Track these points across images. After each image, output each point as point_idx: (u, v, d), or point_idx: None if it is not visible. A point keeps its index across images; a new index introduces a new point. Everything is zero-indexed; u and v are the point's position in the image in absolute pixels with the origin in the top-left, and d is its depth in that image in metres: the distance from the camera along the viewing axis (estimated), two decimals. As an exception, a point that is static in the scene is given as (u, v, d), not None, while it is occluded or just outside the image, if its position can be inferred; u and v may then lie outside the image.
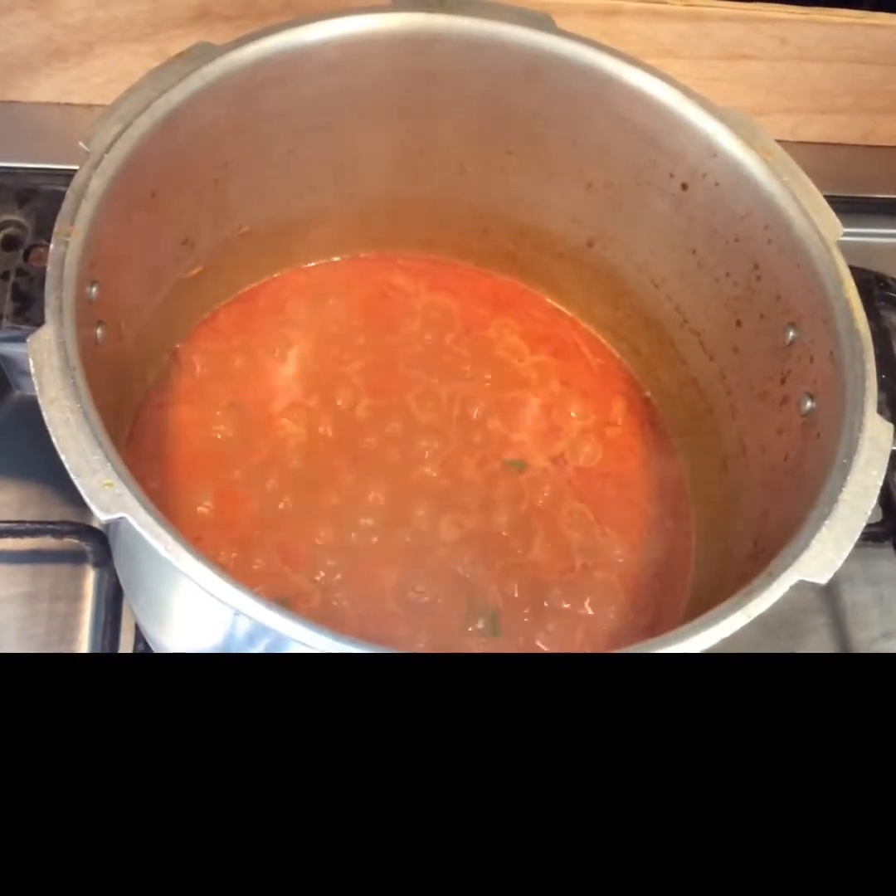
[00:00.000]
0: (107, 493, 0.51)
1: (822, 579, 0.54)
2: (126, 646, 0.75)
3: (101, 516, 0.50)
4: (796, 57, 1.00)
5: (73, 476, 0.51)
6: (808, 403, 0.65)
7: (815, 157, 1.04)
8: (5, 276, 0.59)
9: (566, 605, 0.74)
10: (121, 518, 0.51)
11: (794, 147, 0.71)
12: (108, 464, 0.52)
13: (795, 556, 0.55)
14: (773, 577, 0.54)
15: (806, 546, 0.55)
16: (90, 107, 0.96)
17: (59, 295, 0.56)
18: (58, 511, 0.79)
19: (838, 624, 0.84)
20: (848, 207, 0.90)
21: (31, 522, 0.76)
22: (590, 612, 0.74)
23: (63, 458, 0.52)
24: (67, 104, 0.97)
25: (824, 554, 0.55)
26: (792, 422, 0.66)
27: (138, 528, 0.50)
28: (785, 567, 0.54)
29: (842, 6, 0.98)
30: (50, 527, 0.76)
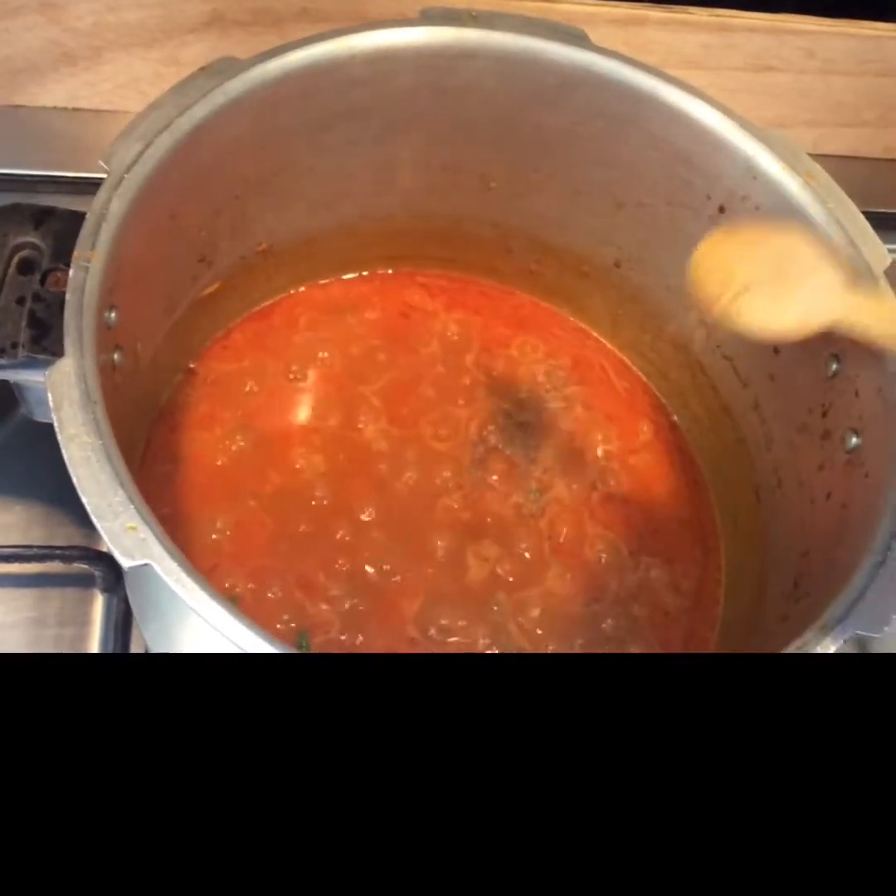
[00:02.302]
0: (130, 538, 0.49)
1: (878, 632, 0.52)
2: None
3: (124, 563, 0.48)
4: (821, 70, 0.98)
5: (94, 519, 0.49)
6: (854, 439, 0.63)
7: (837, 170, 1.02)
8: (21, 301, 0.56)
9: (592, 639, 0.72)
10: (145, 564, 0.48)
11: (817, 161, 0.70)
12: (132, 505, 0.50)
13: (848, 608, 0.53)
14: (828, 630, 0.52)
15: (860, 597, 0.53)
16: (98, 113, 0.94)
17: (78, 323, 0.54)
18: (64, 532, 0.77)
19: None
20: (870, 222, 0.88)
21: (39, 547, 0.74)
22: (616, 645, 0.72)
23: (84, 499, 0.50)
24: (75, 109, 0.94)
25: (879, 605, 0.53)
26: (835, 458, 0.64)
27: (164, 577, 0.48)
28: (838, 619, 0.52)
29: (869, 19, 0.96)
30: (58, 551, 0.74)
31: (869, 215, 0.98)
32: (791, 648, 0.51)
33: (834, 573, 0.57)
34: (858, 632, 0.52)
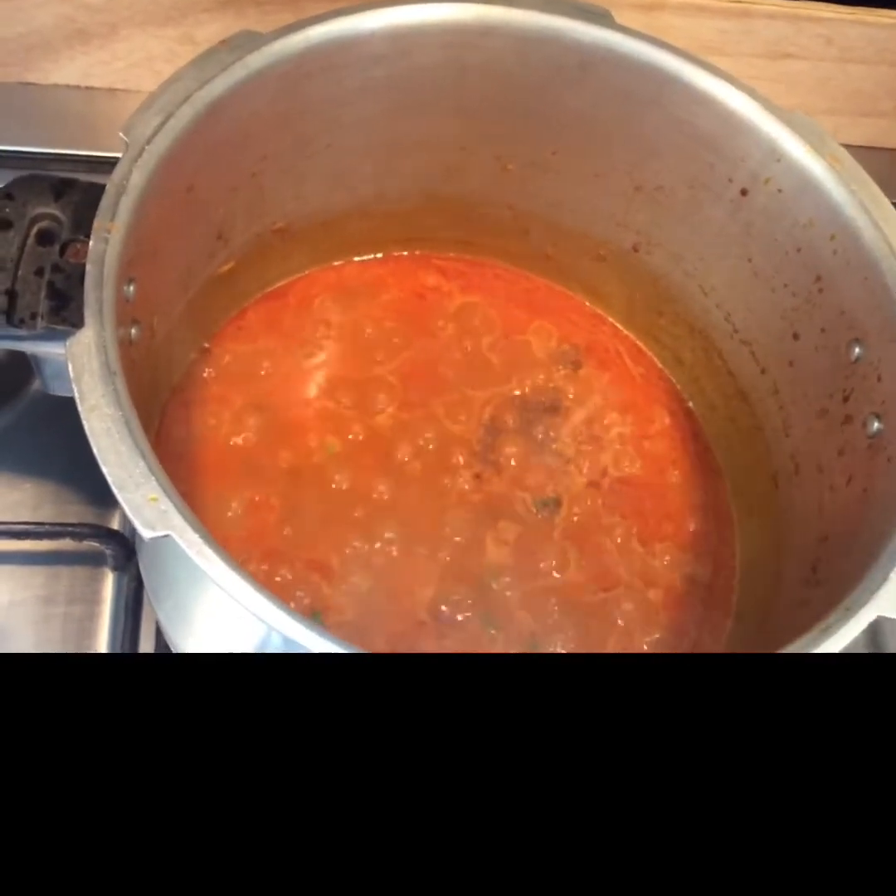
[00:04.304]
0: (151, 509, 0.48)
1: (903, 616, 0.52)
2: (146, 651, 0.73)
3: (145, 534, 0.48)
4: (840, 58, 0.97)
5: (115, 490, 0.48)
6: (876, 424, 0.62)
7: (855, 160, 1.02)
8: (40, 272, 0.56)
9: (605, 626, 0.71)
10: (166, 535, 0.48)
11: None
12: (153, 477, 0.49)
13: (873, 591, 0.52)
14: (852, 612, 0.51)
15: (884, 579, 0.52)
16: (112, 91, 0.93)
17: (99, 295, 0.53)
18: (74, 510, 0.77)
19: (875, 644, 0.81)
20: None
21: (51, 524, 0.74)
22: (629, 632, 0.71)
23: (105, 470, 0.49)
24: (89, 88, 0.93)
25: (904, 589, 0.52)
26: (856, 443, 0.64)
27: (186, 549, 0.47)
28: (863, 603, 0.52)
29: (888, 7, 0.96)
30: (69, 529, 0.74)
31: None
32: (815, 630, 0.51)
33: (854, 559, 0.57)
34: (883, 615, 0.51)
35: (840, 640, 0.51)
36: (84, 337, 0.52)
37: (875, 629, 0.82)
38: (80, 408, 0.50)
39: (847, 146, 1.03)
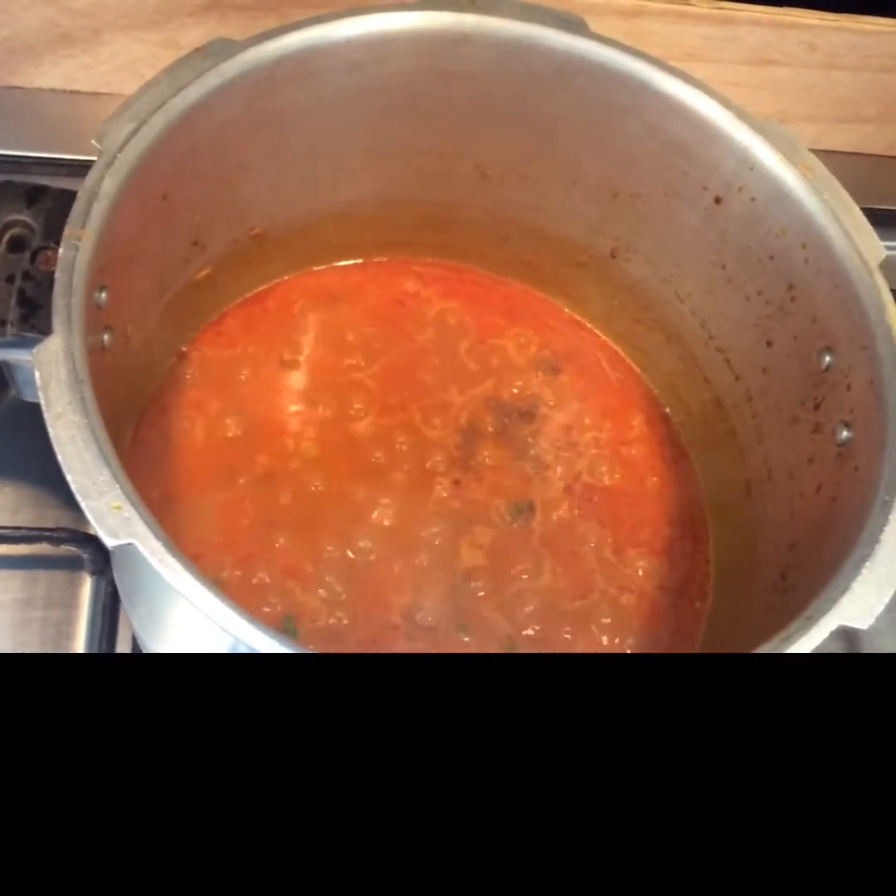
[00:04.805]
0: (114, 517, 0.48)
1: (863, 625, 0.52)
2: (122, 654, 0.73)
3: (108, 542, 0.48)
4: (824, 64, 0.97)
5: (79, 497, 0.49)
6: (845, 433, 0.62)
7: (838, 167, 1.01)
8: (11, 279, 0.56)
9: (579, 632, 0.71)
10: (129, 544, 0.48)
11: (818, 156, 0.69)
12: (117, 485, 0.49)
13: (835, 600, 0.52)
14: (813, 621, 0.51)
15: (846, 588, 0.53)
16: (96, 95, 0.93)
17: (67, 302, 0.53)
18: (53, 514, 0.77)
19: (853, 650, 0.81)
20: (871, 220, 0.87)
21: (28, 528, 0.74)
22: (603, 638, 0.72)
23: (69, 477, 0.49)
24: (73, 92, 0.93)
25: (866, 598, 0.53)
26: (825, 451, 0.64)
27: (148, 556, 0.48)
28: (824, 611, 0.52)
29: (872, 14, 0.96)
30: (47, 533, 0.73)
31: (871, 212, 0.98)
32: (776, 639, 0.51)
33: (821, 566, 0.57)
34: (844, 624, 0.52)
35: (800, 649, 0.51)
36: (52, 344, 0.52)
37: (852, 635, 0.82)
38: (45, 415, 0.50)
39: (831, 152, 1.05)
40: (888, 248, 1.02)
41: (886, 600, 0.53)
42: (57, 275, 0.54)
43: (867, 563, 0.54)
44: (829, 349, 0.65)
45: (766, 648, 0.51)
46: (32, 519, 0.76)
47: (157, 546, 0.48)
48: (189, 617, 0.58)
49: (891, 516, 0.55)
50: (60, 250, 0.55)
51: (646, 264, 0.77)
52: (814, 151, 0.68)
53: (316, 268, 0.82)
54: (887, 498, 0.56)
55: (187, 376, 0.76)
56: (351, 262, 0.83)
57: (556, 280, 0.83)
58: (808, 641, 0.51)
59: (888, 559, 0.54)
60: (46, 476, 0.78)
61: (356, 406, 0.77)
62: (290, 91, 0.67)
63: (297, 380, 0.78)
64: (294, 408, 0.77)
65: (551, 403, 0.80)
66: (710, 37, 0.94)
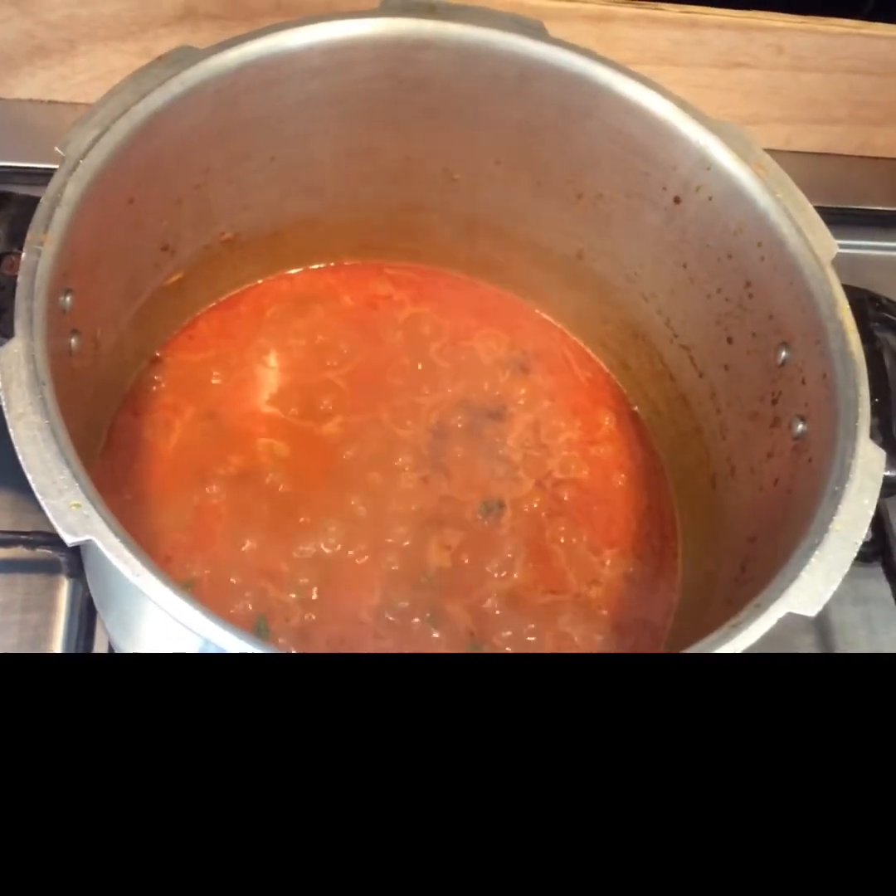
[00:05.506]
0: (74, 515, 0.49)
1: (811, 612, 0.53)
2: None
3: (67, 539, 0.49)
4: (792, 66, 0.99)
5: (39, 496, 0.50)
6: (800, 426, 0.64)
7: (809, 167, 1.03)
8: (-25, 284, 0.57)
9: (549, 627, 0.72)
10: (88, 541, 0.49)
11: (789, 157, 0.70)
12: (76, 484, 0.50)
13: (784, 589, 0.53)
14: (762, 609, 0.52)
15: (795, 577, 0.54)
16: (74, 105, 0.94)
17: (29, 305, 0.54)
18: (31, 519, 0.77)
19: (825, 644, 0.82)
20: (842, 219, 0.89)
21: (3, 532, 0.75)
22: (573, 633, 0.72)
23: (29, 476, 0.50)
24: (51, 102, 0.95)
25: (814, 586, 0.54)
26: (783, 445, 0.65)
27: (105, 552, 0.48)
28: (773, 599, 0.53)
29: (839, 15, 0.97)
30: (23, 537, 0.74)
31: (843, 212, 1.00)
32: (725, 627, 0.52)
33: (776, 557, 0.58)
34: (793, 611, 0.52)
35: (749, 636, 0.52)
36: (13, 347, 0.53)
37: (824, 630, 0.83)
38: (7, 415, 0.51)
39: (802, 153, 1.06)
40: (861, 247, 1.04)
41: (834, 588, 0.54)
42: (19, 279, 0.55)
43: (816, 552, 0.55)
44: (785, 344, 0.66)
45: (715, 636, 0.52)
46: (10, 524, 0.77)
47: (115, 542, 0.49)
48: (158, 620, 0.59)
49: (840, 507, 0.56)
50: (23, 255, 0.56)
51: (611, 265, 0.78)
52: (785, 152, 0.69)
53: (289, 272, 0.83)
54: (837, 488, 0.57)
55: (160, 380, 0.77)
56: (324, 265, 0.84)
57: (526, 281, 0.84)
58: (757, 628, 0.52)
59: (837, 548, 0.55)
60: (23, 481, 0.78)
61: (326, 407, 0.78)
62: (254, 98, 0.68)
63: (268, 382, 0.79)
64: (266, 411, 0.77)
65: (521, 403, 0.81)
66: (679, 41, 0.96)
